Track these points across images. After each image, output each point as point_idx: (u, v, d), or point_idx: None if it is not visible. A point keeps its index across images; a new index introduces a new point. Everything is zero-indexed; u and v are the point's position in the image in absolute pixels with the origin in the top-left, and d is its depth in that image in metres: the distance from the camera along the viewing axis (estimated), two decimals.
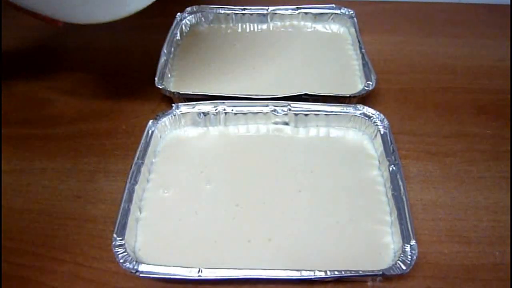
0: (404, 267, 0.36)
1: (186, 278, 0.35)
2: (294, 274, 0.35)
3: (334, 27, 0.65)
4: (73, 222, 0.43)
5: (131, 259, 0.36)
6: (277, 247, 0.39)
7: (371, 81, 0.52)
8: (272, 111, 0.49)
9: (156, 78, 0.52)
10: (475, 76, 0.59)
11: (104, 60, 0.64)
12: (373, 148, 0.48)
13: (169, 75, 0.56)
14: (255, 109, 0.49)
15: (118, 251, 0.36)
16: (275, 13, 0.65)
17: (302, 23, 0.66)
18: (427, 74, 0.60)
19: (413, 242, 0.37)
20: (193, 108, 0.49)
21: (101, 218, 0.44)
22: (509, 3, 0.72)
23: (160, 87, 0.52)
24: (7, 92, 0.58)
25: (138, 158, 0.44)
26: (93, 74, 0.61)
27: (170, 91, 0.51)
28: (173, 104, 0.50)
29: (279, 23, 0.66)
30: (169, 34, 0.60)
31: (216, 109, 0.49)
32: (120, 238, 0.37)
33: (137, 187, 0.42)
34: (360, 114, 0.48)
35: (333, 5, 0.65)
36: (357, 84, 0.55)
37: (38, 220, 0.44)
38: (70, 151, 0.50)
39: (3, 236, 0.42)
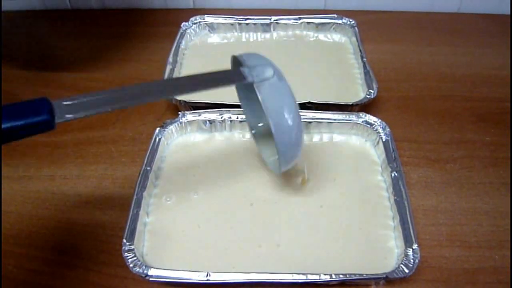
0: (407, 271, 0.36)
1: (195, 282, 0.36)
2: (300, 278, 0.36)
3: (336, 37, 0.66)
4: (82, 228, 0.44)
5: (141, 263, 0.37)
6: (284, 251, 0.40)
7: (372, 89, 0.53)
8: None
9: None
10: (474, 84, 0.61)
11: (110, 68, 0.65)
12: (375, 154, 0.49)
13: None
14: None
15: (128, 256, 0.37)
16: (278, 23, 0.66)
17: (304, 32, 0.67)
18: (428, 83, 0.61)
19: (415, 246, 0.38)
20: (199, 116, 0.50)
21: (109, 224, 0.44)
22: (509, 12, 0.74)
23: None
24: (11, 99, 0.59)
25: (145, 165, 0.45)
26: (98, 81, 0.62)
27: (176, 99, 0.52)
28: (179, 112, 0.51)
29: (282, 33, 0.67)
30: (175, 43, 0.61)
31: (221, 117, 0.50)
32: (130, 243, 0.38)
33: (145, 193, 0.43)
34: (362, 121, 0.49)
35: (335, 15, 0.66)
36: (359, 92, 0.56)
37: (47, 226, 0.45)
38: (77, 158, 0.51)
39: (13, 242, 0.43)
